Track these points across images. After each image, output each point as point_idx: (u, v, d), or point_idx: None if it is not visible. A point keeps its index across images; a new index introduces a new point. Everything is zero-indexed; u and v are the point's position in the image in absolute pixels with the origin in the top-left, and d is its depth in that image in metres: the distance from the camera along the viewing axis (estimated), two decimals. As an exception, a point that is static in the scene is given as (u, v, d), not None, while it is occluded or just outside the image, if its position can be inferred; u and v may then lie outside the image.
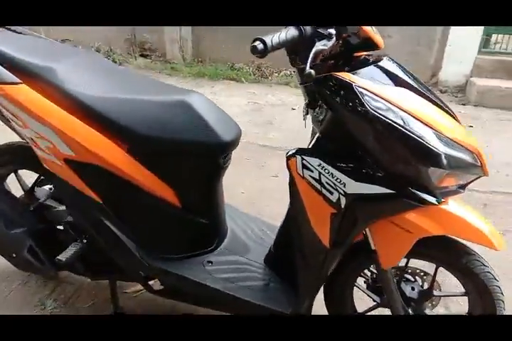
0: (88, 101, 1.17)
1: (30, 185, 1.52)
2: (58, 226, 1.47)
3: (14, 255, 1.36)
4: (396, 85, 0.99)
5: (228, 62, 4.61)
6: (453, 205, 1.09)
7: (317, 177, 1.00)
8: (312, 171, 1.00)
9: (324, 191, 1.00)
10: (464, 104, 4.12)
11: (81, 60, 1.29)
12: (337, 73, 0.94)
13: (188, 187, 1.27)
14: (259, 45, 0.88)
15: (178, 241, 1.34)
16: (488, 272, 1.15)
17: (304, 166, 1.01)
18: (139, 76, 1.47)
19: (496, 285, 1.16)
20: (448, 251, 1.18)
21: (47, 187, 1.53)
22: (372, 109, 0.92)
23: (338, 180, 0.98)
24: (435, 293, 1.26)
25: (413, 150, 0.93)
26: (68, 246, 1.42)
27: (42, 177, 1.52)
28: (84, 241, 1.30)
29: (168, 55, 4.74)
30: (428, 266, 1.27)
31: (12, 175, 1.55)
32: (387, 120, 0.91)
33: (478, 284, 1.17)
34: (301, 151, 1.02)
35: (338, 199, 0.99)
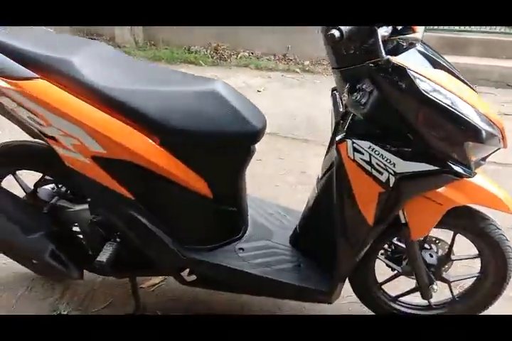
0: (114, 95, 1.12)
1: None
2: (74, 228, 1.40)
3: (35, 261, 1.28)
4: (434, 68, 1.04)
5: (184, 45, 4.48)
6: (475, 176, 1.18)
7: (368, 160, 1.04)
8: (363, 154, 1.04)
9: (374, 172, 1.05)
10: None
11: (94, 52, 1.21)
12: (392, 58, 0.97)
13: (219, 177, 1.26)
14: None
15: (210, 231, 1.33)
16: (501, 234, 1.28)
17: (354, 149, 1.04)
18: (154, 66, 1.42)
19: (508, 246, 1.30)
20: (466, 218, 1.29)
21: (49, 186, 1.44)
22: (424, 91, 0.97)
23: (388, 161, 1.03)
24: (452, 257, 1.37)
25: (460, 127, 1.00)
26: (86, 246, 1.38)
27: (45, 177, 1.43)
28: (118, 239, 1.25)
29: (117, 39, 4.52)
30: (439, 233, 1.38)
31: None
32: (437, 101, 0.97)
33: (492, 246, 1.29)
34: (350, 135, 1.06)
35: (388, 179, 1.05)
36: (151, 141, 1.14)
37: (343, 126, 1.18)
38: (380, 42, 0.95)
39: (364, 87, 1.06)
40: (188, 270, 1.38)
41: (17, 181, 1.46)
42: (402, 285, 1.49)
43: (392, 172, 1.04)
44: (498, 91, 4.24)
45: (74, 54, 1.15)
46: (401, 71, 0.98)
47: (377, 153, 1.03)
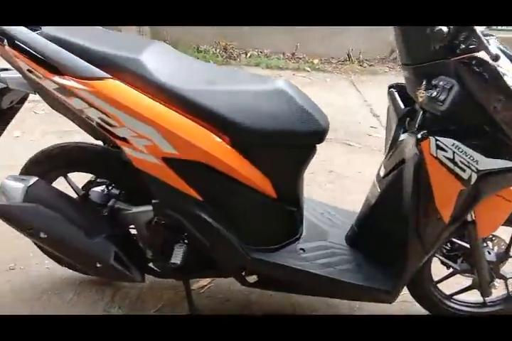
0: (185, 94, 1.10)
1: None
2: (132, 230, 1.38)
3: (99, 264, 1.26)
4: None
5: (192, 45, 4.45)
6: None
7: (451, 157, 1.04)
8: (446, 151, 1.04)
9: (457, 169, 1.05)
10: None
11: (157, 51, 1.19)
12: (478, 54, 0.97)
13: (283, 177, 1.25)
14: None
15: (273, 231, 1.32)
16: None
17: (437, 147, 1.04)
18: (212, 65, 1.40)
19: None
20: None
21: (99, 188, 1.42)
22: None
23: (471, 158, 1.03)
24: (511, 254, 1.38)
25: None
26: (143, 248, 1.36)
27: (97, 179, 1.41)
28: (186, 241, 1.24)
29: (124, 39, 4.47)
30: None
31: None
32: None
33: None
34: (433, 133, 1.05)
35: (470, 176, 1.05)
36: (222, 141, 1.13)
37: (412, 123, 1.18)
38: (482, 37, 0.95)
39: (441, 83, 1.05)
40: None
41: (69, 184, 1.43)
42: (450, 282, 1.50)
43: (475, 170, 1.04)
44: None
45: (140, 53, 1.13)
46: (490, 68, 0.98)
47: (460, 150, 1.03)
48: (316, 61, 4.43)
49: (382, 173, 1.32)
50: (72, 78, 1.07)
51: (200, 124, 1.11)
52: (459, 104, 1.03)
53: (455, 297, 1.49)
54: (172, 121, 1.09)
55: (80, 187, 1.41)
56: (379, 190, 1.32)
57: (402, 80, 1.24)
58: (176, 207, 1.20)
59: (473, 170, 1.04)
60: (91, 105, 1.08)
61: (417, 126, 1.14)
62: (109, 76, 1.07)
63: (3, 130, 1.40)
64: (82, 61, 1.07)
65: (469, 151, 1.03)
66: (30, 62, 1.09)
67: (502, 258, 1.38)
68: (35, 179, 1.28)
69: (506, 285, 1.43)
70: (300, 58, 4.48)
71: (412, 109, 1.23)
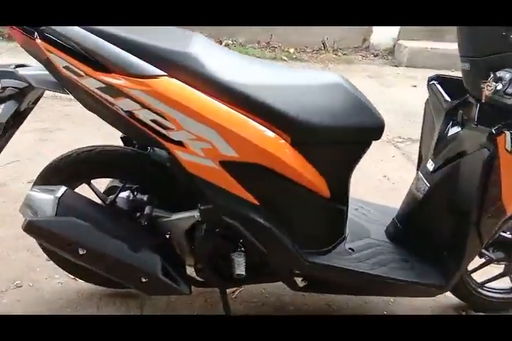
0: (247, 91, 1.01)
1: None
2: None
3: (144, 279, 1.14)
4: None
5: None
6: None
7: None
8: None
9: None
10: (396, 66, 4.43)
11: (203, 45, 1.09)
12: None
13: (338, 175, 1.19)
14: None
15: (326, 232, 1.27)
16: None
17: None
18: (257, 59, 1.31)
19: None
20: None
21: (124, 195, 1.29)
22: None
23: None
24: None
25: None
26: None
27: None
28: (242, 248, 1.15)
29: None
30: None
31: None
32: None
33: None
34: (508, 126, 1.03)
35: None
36: (284, 141, 1.05)
37: (467, 116, 1.16)
38: None
39: (508, 75, 1.03)
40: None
41: (93, 191, 1.30)
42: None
43: None
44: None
45: (191, 47, 1.02)
46: None
47: None
48: (291, 50, 4.38)
49: (430, 167, 1.29)
50: (122, 76, 0.94)
51: (261, 123, 1.03)
52: None
53: (487, 285, 1.52)
54: (234, 121, 1.00)
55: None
56: (428, 184, 1.29)
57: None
58: (233, 212, 1.11)
59: None
60: (144, 106, 0.96)
61: (476, 119, 1.12)
62: (165, 73, 0.96)
63: (14, 132, 1.24)
64: (133, 57, 0.95)
65: None
66: (69, 58, 0.95)
67: None
68: (63, 189, 1.14)
69: None
70: (275, 47, 4.41)
71: (463, 101, 1.21)
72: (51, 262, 1.44)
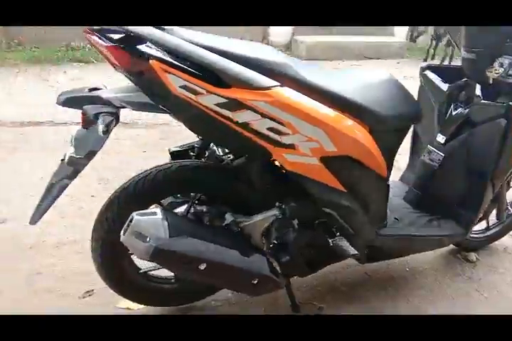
0: (336, 92, 1.14)
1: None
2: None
3: (255, 281, 1.19)
4: None
5: (61, 42, 3.93)
6: None
7: None
8: None
9: None
10: (297, 59, 4.82)
11: (275, 52, 1.17)
12: None
13: (391, 158, 1.38)
14: None
15: (385, 208, 1.44)
16: None
17: None
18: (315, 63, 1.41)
19: None
20: None
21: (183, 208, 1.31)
22: None
23: None
24: None
25: None
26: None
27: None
28: (338, 233, 1.27)
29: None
30: None
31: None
32: None
33: None
34: None
35: None
36: (368, 132, 1.20)
37: (470, 96, 1.46)
38: None
39: (507, 61, 1.34)
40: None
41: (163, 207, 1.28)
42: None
43: None
44: (360, 62, 5.09)
45: (280, 57, 1.10)
46: None
47: None
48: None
49: (442, 140, 1.57)
50: (244, 90, 0.99)
51: (350, 118, 1.17)
52: None
53: None
54: (336, 119, 1.12)
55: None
56: (443, 154, 1.57)
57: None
58: (332, 203, 1.23)
59: None
60: (264, 116, 1.02)
61: (482, 97, 1.42)
62: (278, 83, 1.03)
63: None
64: (249, 70, 1.00)
65: None
66: (188, 76, 0.96)
67: None
68: (159, 210, 1.13)
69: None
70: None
71: (463, 84, 1.50)
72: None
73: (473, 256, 1.92)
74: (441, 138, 1.59)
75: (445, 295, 1.68)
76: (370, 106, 1.19)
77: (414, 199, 1.67)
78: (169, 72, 0.96)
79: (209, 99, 0.99)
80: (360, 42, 5.10)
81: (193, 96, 0.99)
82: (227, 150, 1.33)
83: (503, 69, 1.34)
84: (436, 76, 1.58)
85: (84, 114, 1.04)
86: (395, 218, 1.53)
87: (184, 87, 0.97)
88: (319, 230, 1.28)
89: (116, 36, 0.99)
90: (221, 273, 1.17)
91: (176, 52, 0.97)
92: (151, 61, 0.95)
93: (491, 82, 1.41)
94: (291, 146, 1.10)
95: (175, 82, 0.97)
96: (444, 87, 1.55)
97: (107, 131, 0.99)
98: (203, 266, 1.11)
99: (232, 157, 1.32)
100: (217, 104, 1.00)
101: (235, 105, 1.00)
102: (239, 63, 1.01)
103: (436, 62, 4.66)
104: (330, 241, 1.28)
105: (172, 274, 1.42)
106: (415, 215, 1.61)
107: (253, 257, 1.19)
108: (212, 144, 1.35)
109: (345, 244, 1.27)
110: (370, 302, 1.62)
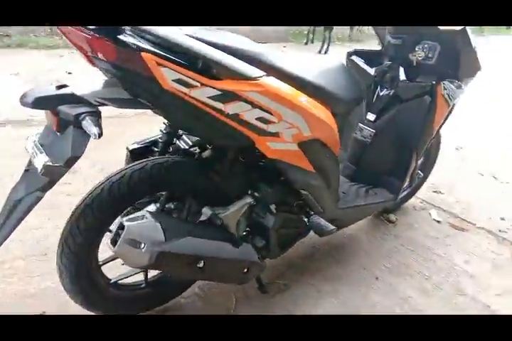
0: (307, 78, 1.18)
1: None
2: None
3: (246, 269, 1.20)
4: None
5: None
6: None
7: (448, 93, 1.58)
8: (446, 89, 1.56)
9: (449, 101, 1.61)
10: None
11: (247, 41, 1.16)
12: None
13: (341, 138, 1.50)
14: None
15: (338, 184, 1.56)
16: None
17: (444, 88, 1.55)
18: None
19: None
20: None
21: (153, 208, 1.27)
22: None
23: (454, 92, 1.60)
24: None
25: None
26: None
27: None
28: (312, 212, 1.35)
29: None
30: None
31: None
32: None
33: None
34: (440, 79, 1.54)
35: (454, 103, 1.63)
36: (332, 114, 1.28)
37: (395, 77, 1.65)
38: None
39: (426, 46, 1.55)
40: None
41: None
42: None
43: (455, 100, 1.63)
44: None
45: (259, 47, 1.11)
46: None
47: (451, 87, 1.57)
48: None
49: (372, 118, 1.75)
50: (236, 81, 0.97)
51: (320, 103, 1.23)
52: (442, 57, 1.56)
53: None
54: (310, 104, 1.17)
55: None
56: (374, 130, 1.74)
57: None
58: (307, 184, 1.29)
59: (455, 100, 1.63)
60: (255, 106, 1.03)
61: (406, 78, 1.61)
62: (265, 73, 1.03)
63: None
64: (238, 60, 0.99)
65: (453, 87, 1.59)
66: (183, 69, 0.91)
67: None
68: (148, 213, 1.08)
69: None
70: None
71: (387, 68, 1.68)
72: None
73: (392, 217, 2.21)
74: (371, 117, 1.76)
75: (381, 253, 1.92)
76: (332, 90, 1.27)
77: (351, 173, 1.83)
78: (163, 66, 0.90)
79: (202, 92, 0.96)
80: (248, 28, 5.20)
81: (185, 90, 0.94)
82: (191, 144, 1.30)
83: (424, 53, 1.54)
84: (362, 60, 1.73)
85: (56, 115, 0.92)
86: (343, 192, 1.67)
87: (177, 81, 0.92)
88: (297, 211, 1.35)
89: (92, 26, 0.89)
90: (217, 267, 1.16)
91: (166, 43, 0.91)
92: (143, 54, 0.88)
93: (414, 64, 1.61)
94: (276, 134, 1.13)
95: (168, 75, 0.91)
96: (371, 70, 1.71)
97: (101, 134, 0.89)
98: (201, 264, 1.09)
99: (198, 150, 1.30)
100: (210, 97, 0.97)
101: (228, 97, 0.99)
102: (237, 56, 1.00)
103: (316, 45, 4.98)
104: (306, 220, 1.35)
105: (141, 279, 1.36)
106: (356, 187, 1.78)
107: (242, 247, 1.21)
108: (175, 138, 1.30)
109: (322, 221, 1.36)
110: (322, 270, 1.77)
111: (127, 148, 1.30)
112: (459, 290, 1.74)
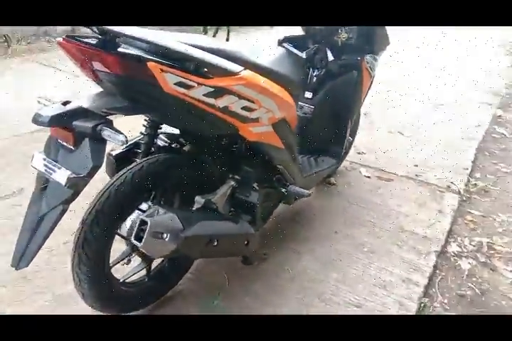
0: (269, 66, 1.35)
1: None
2: None
3: (246, 241, 1.37)
4: None
5: None
6: None
7: (369, 65, 1.85)
8: (368, 63, 1.84)
9: (371, 71, 1.89)
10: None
11: (213, 40, 1.28)
12: None
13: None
14: None
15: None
16: None
17: (367, 61, 1.81)
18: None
19: None
20: None
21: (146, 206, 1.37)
22: None
23: (373, 63, 1.88)
24: None
25: None
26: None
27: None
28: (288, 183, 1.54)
29: None
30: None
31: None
32: None
33: None
34: (363, 54, 1.80)
35: (374, 74, 1.91)
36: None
37: (324, 58, 1.89)
38: None
39: (347, 28, 1.80)
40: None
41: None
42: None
43: (374, 71, 1.92)
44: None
45: (227, 45, 1.24)
46: None
47: (371, 60, 1.85)
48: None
49: (310, 95, 1.97)
50: (224, 77, 1.10)
51: (282, 87, 1.39)
52: (360, 36, 1.82)
53: None
54: (279, 91, 1.34)
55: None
56: (313, 106, 1.97)
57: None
58: (282, 160, 1.47)
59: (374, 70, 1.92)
60: (241, 97, 1.16)
61: (334, 57, 1.85)
62: (243, 67, 1.17)
63: None
64: (221, 59, 1.11)
65: (371, 60, 1.87)
66: (182, 72, 1.02)
67: None
68: (160, 208, 1.19)
69: None
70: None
71: (316, 50, 1.90)
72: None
73: (332, 180, 2.51)
74: (308, 95, 1.99)
75: (332, 211, 2.20)
76: (288, 75, 1.45)
77: (298, 147, 2.05)
78: (166, 72, 0.99)
79: (199, 91, 1.07)
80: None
81: (185, 91, 1.05)
82: (169, 141, 1.39)
83: (347, 34, 1.79)
84: (292, 46, 1.92)
85: (70, 130, 0.97)
86: (300, 164, 1.89)
87: (178, 84, 1.03)
88: (276, 185, 1.53)
89: (93, 41, 0.94)
90: (227, 243, 1.31)
91: (161, 49, 0.99)
92: (148, 63, 0.96)
93: (340, 44, 1.85)
94: (256, 120, 1.29)
95: (170, 79, 1.01)
96: (302, 54, 1.92)
97: (127, 139, 0.96)
98: (215, 242, 1.23)
99: (178, 145, 1.40)
100: (206, 94, 1.09)
101: (220, 92, 1.12)
102: (217, 55, 1.11)
103: (210, 33, 5.01)
104: (284, 191, 1.55)
105: (143, 274, 1.44)
106: (306, 158, 2.01)
107: (239, 223, 1.37)
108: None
109: (298, 188, 1.56)
110: (293, 234, 2.00)
111: (110, 154, 1.35)
112: (400, 228, 2.09)
